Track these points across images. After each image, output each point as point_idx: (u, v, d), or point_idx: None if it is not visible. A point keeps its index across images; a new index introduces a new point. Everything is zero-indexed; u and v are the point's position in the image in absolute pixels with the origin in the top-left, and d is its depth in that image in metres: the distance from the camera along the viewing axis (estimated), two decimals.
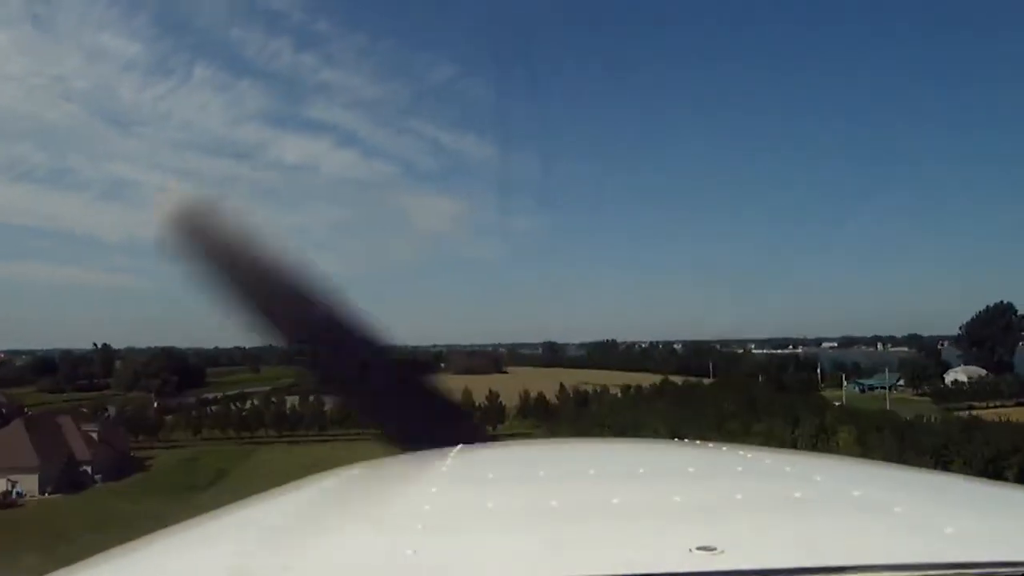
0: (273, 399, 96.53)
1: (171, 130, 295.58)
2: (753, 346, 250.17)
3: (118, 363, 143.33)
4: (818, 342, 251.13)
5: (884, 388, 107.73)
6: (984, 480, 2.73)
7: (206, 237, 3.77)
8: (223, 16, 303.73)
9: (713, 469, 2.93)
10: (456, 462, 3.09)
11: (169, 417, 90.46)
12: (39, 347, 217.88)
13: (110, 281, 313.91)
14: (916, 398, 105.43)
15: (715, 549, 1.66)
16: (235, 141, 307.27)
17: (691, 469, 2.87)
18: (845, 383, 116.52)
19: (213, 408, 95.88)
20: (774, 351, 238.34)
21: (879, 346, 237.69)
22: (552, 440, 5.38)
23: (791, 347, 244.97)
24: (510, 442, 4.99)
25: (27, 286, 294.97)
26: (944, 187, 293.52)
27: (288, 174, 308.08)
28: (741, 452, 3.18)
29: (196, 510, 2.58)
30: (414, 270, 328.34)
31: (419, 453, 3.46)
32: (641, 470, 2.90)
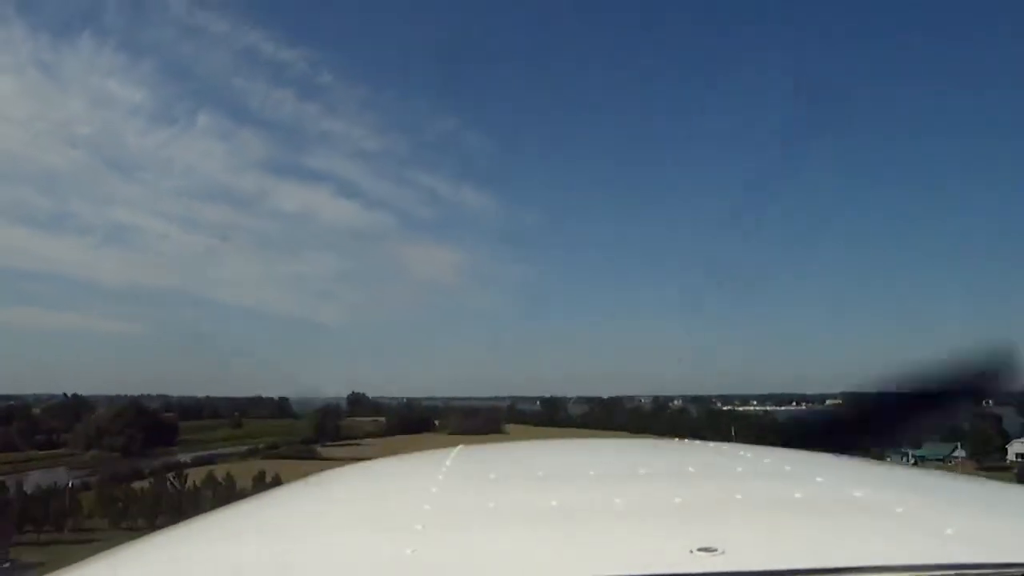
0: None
1: (173, 176, 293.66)
2: (755, 402, 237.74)
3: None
4: (822, 398, 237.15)
5: (940, 460, 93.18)
6: (985, 480, 2.79)
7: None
8: (227, 65, 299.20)
9: (714, 469, 2.95)
10: (456, 462, 3.08)
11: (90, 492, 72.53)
12: (31, 392, 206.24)
13: (108, 327, 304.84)
14: (983, 473, 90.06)
15: (715, 550, 1.64)
16: (236, 188, 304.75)
17: (691, 469, 2.90)
18: (887, 452, 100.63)
19: (172, 477, 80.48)
20: (778, 407, 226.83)
21: None
22: (552, 440, 4.97)
23: (794, 403, 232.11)
24: (511, 443, 5.05)
25: (21, 331, 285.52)
26: (959, 233, 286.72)
27: (288, 222, 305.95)
28: (742, 452, 3.22)
29: None
30: (413, 320, 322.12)
31: (419, 453, 3.54)
32: (641, 470, 2.92)
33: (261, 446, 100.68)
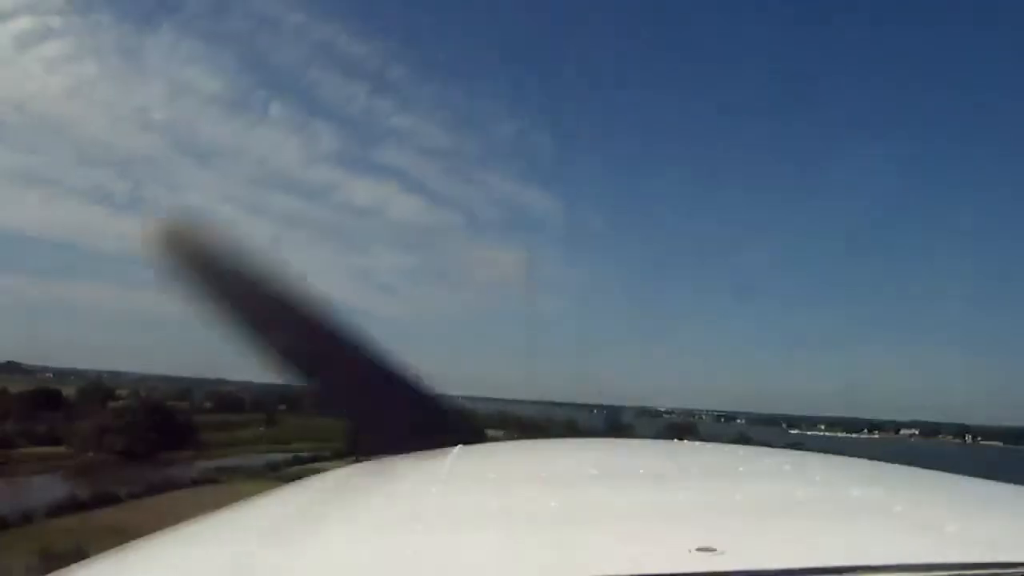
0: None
1: (245, 165, 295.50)
2: (823, 426, 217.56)
3: (111, 403, 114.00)
4: (896, 427, 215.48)
5: None
6: (984, 480, 2.66)
7: (195, 256, 3.53)
8: (302, 57, 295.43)
9: (713, 469, 2.86)
10: (457, 462, 3.02)
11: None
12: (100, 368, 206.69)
13: (179, 309, 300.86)
14: None
15: (715, 550, 1.61)
16: (305, 180, 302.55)
17: (691, 469, 2.82)
18: None
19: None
20: (849, 434, 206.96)
21: (967, 438, 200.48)
22: (552, 441, 4.79)
23: (865, 430, 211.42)
24: (511, 443, 4.97)
25: (94, 307, 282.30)
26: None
27: (355, 216, 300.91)
28: (742, 452, 3.20)
29: None
30: (473, 319, 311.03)
31: (419, 454, 3.41)
32: (641, 470, 2.85)
33: (291, 457, 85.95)
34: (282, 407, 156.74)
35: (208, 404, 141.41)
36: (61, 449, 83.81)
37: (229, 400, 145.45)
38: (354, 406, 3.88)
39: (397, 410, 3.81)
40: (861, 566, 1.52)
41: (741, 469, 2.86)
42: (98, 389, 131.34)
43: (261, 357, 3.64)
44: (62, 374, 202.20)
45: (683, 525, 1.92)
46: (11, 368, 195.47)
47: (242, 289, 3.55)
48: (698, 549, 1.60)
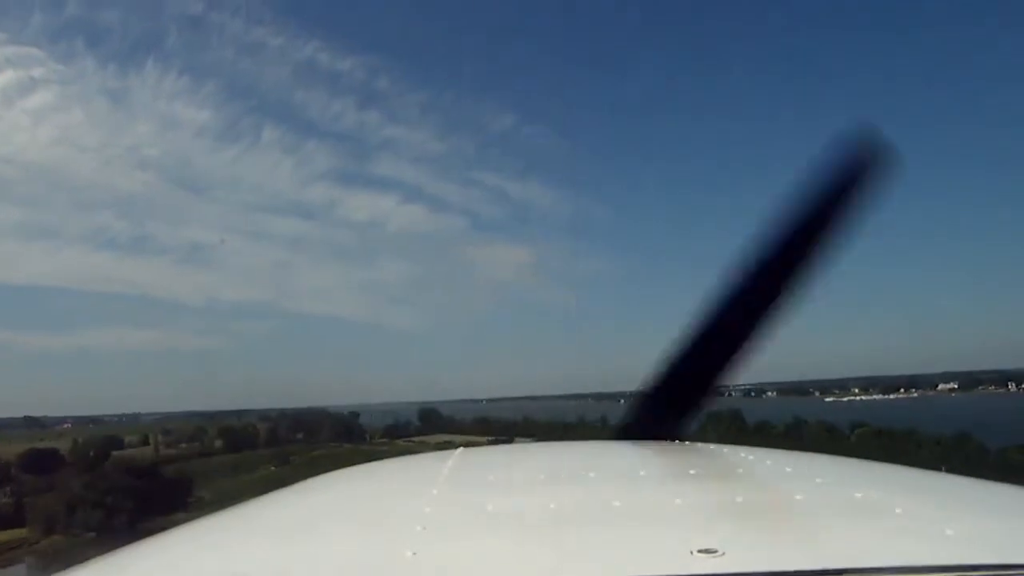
0: None
1: (243, 193, 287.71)
2: (856, 389, 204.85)
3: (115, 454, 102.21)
4: (933, 382, 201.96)
5: None
6: (985, 481, 2.62)
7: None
8: (287, 79, 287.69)
9: (714, 471, 2.90)
10: (456, 464, 3.02)
11: None
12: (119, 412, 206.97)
13: (194, 344, 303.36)
14: None
15: (716, 551, 1.60)
16: (305, 201, 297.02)
17: (692, 471, 2.81)
18: None
19: None
20: (885, 395, 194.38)
21: (1010, 386, 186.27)
22: (553, 443, 4.51)
23: (901, 389, 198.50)
24: (510, 444, 4.47)
25: (111, 352, 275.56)
26: None
27: (358, 231, 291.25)
28: (742, 453, 3.16)
29: None
30: (487, 320, 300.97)
31: (420, 455, 3.50)
32: (642, 472, 2.86)
33: None
34: (299, 436, 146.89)
35: (219, 442, 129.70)
36: (23, 532, 69.70)
37: (241, 437, 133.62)
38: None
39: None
40: (863, 568, 1.50)
41: (741, 470, 2.85)
42: (96, 442, 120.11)
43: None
44: (81, 423, 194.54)
45: (684, 527, 1.90)
46: (29, 423, 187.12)
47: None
48: (699, 551, 1.59)
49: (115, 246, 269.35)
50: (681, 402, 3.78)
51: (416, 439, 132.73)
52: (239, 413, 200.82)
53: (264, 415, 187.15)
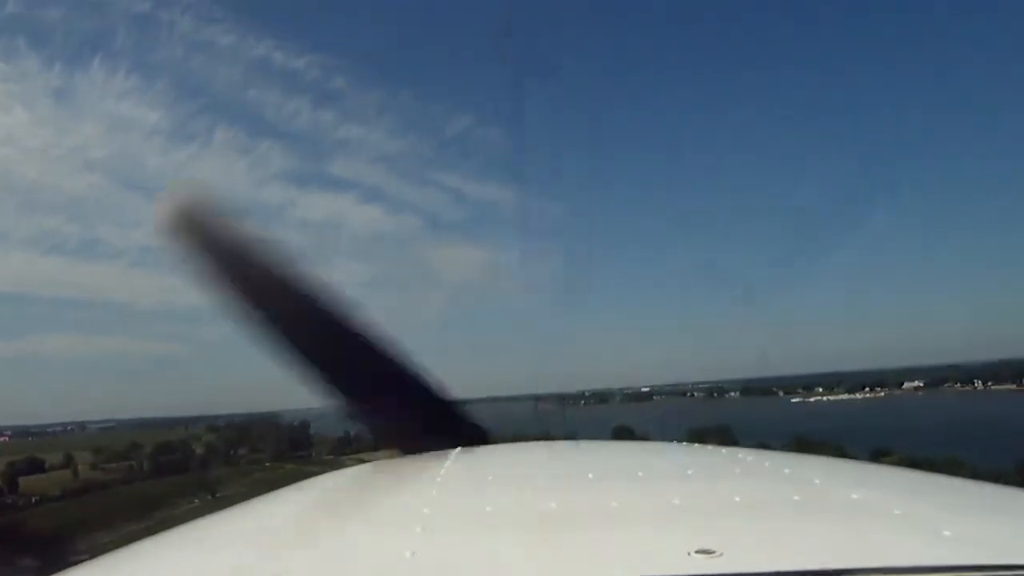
0: None
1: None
2: (821, 389, 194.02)
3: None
4: (899, 380, 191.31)
5: None
6: (983, 483, 2.62)
7: (206, 236, 3.27)
8: (240, 78, 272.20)
9: (712, 471, 2.84)
10: (455, 464, 2.97)
11: None
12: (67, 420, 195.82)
13: (145, 348, 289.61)
14: None
15: (714, 552, 1.58)
16: (259, 202, 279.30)
17: (690, 471, 2.78)
18: None
19: None
20: (851, 394, 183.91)
21: (976, 384, 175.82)
22: (551, 443, 4.45)
23: (867, 388, 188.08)
24: (510, 444, 4.78)
25: (61, 359, 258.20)
26: None
27: (314, 232, 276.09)
28: (740, 454, 3.09)
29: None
30: (446, 321, 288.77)
31: (419, 455, 3.35)
32: (640, 472, 2.82)
33: None
34: (241, 452, 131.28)
35: (148, 464, 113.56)
36: None
37: (174, 458, 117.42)
38: (376, 405, 3.60)
39: (414, 410, 3.62)
40: (861, 568, 1.48)
41: (738, 471, 2.78)
42: (15, 464, 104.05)
43: (278, 354, 3.32)
44: (22, 434, 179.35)
45: (681, 527, 1.88)
46: None
47: (256, 276, 3.18)
48: (697, 551, 1.57)
49: (64, 250, 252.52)
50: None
51: (364, 455, 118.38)
52: (189, 421, 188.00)
53: (213, 424, 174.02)
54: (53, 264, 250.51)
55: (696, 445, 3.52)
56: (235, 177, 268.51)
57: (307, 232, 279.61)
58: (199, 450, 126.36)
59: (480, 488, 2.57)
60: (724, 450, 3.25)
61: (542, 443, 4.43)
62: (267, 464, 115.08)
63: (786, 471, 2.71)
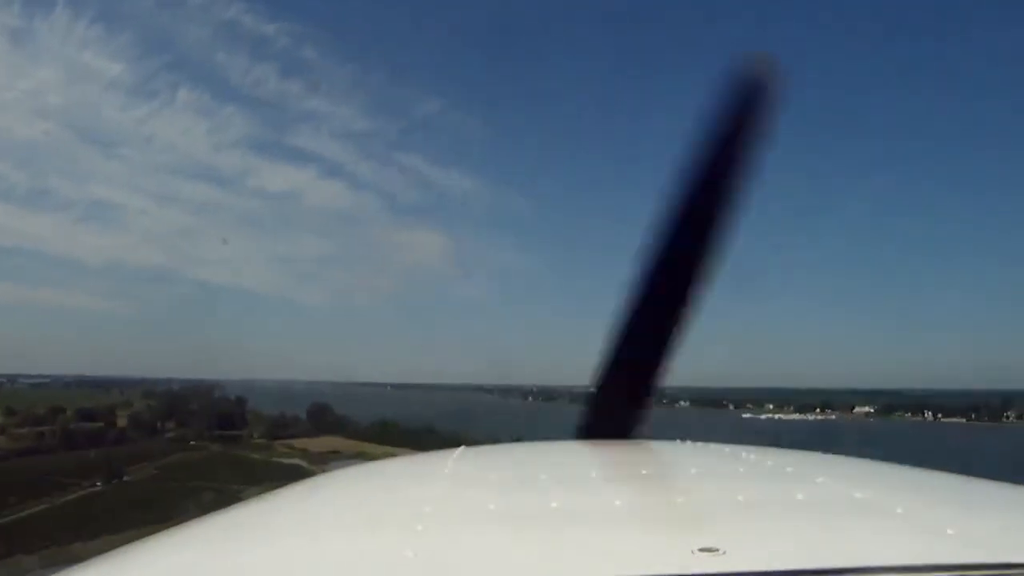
0: None
1: (153, 153, 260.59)
2: (771, 406, 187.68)
3: None
4: (850, 404, 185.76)
5: None
6: (985, 480, 2.57)
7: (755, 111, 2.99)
8: (207, 39, 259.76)
9: (715, 470, 2.80)
10: (457, 464, 2.91)
11: None
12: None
13: (90, 305, 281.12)
14: None
15: (717, 550, 1.56)
16: (218, 167, 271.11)
17: (693, 470, 2.77)
18: None
19: None
20: (803, 415, 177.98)
21: (926, 414, 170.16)
22: (554, 442, 4.22)
23: (818, 409, 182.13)
24: (511, 444, 4.58)
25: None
26: None
27: (272, 203, 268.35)
28: (743, 453, 3.02)
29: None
30: (397, 304, 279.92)
31: (420, 455, 3.28)
32: (643, 471, 2.79)
33: None
34: (169, 425, 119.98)
35: (62, 433, 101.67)
36: None
37: (91, 428, 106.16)
38: (626, 391, 3.42)
39: (636, 400, 3.46)
40: (863, 567, 1.47)
41: (742, 469, 2.73)
42: None
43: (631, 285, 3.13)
44: None
45: (685, 526, 1.86)
46: None
47: (728, 180, 2.97)
48: (700, 550, 1.55)
49: (11, 197, 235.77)
50: (629, 401, 3.47)
51: (298, 442, 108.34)
52: (127, 383, 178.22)
53: (149, 389, 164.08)
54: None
55: (699, 443, 3.37)
56: (195, 139, 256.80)
57: (265, 202, 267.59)
58: (121, 421, 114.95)
59: (482, 487, 2.49)
60: (727, 448, 3.14)
61: (544, 443, 4.18)
62: (192, 443, 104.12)
63: (788, 469, 2.68)
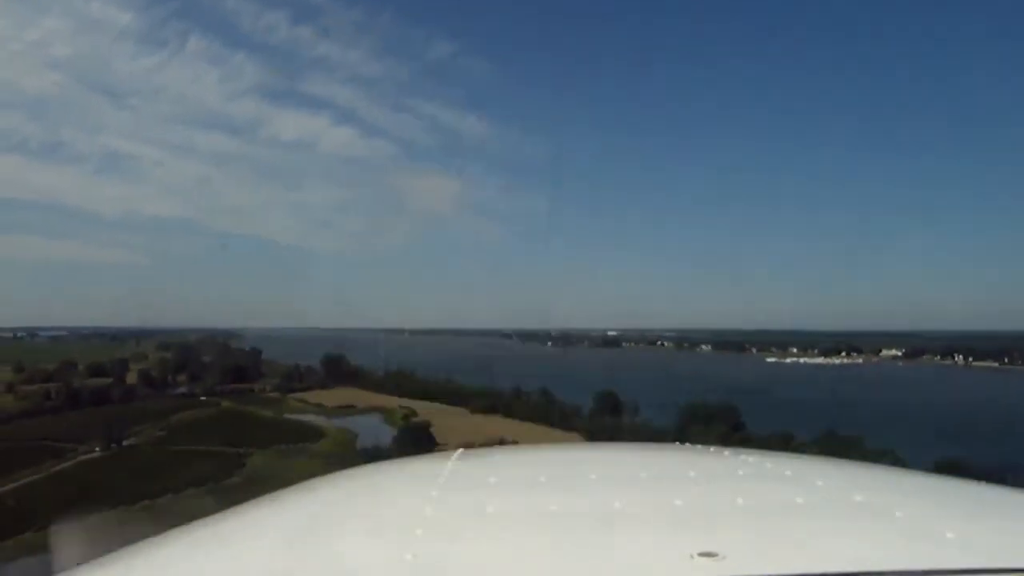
0: None
1: (165, 103, 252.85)
2: (795, 349, 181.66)
3: None
4: (877, 347, 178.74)
5: None
6: (985, 484, 2.59)
7: None
8: None
9: (715, 474, 2.77)
10: (457, 467, 2.89)
11: None
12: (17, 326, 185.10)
13: (108, 257, 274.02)
14: None
15: (716, 555, 1.55)
16: (231, 116, 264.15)
17: (692, 474, 2.72)
18: None
19: None
20: (828, 358, 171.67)
21: (956, 358, 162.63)
22: (553, 445, 4.84)
23: (844, 352, 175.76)
24: (511, 447, 4.15)
25: (14, 260, 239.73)
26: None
27: (285, 151, 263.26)
28: (743, 456, 3.00)
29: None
30: (415, 251, 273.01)
31: (419, 458, 3.27)
32: (643, 475, 2.74)
33: None
34: (180, 379, 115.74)
35: (74, 386, 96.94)
36: None
37: (99, 384, 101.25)
38: None
39: None
40: (863, 572, 1.47)
41: (741, 473, 2.69)
42: None
43: None
44: None
45: (684, 530, 1.86)
46: None
47: None
48: (700, 554, 1.54)
49: (25, 150, 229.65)
50: None
51: (312, 395, 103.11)
52: (144, 334, 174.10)
53: (165, 341, 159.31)
54: (12, 163, 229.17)
55: (697, 446, 3.35)
56: (206, 88, 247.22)
57: (279, 150, 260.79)
58: (132, 376, 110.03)
59: (482, 491, 2.45)
60: (726, 452, 3.14)
61: (544, 446, 3.87)
62: (202, 398, 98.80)
63: (788, 473, 2.66)
